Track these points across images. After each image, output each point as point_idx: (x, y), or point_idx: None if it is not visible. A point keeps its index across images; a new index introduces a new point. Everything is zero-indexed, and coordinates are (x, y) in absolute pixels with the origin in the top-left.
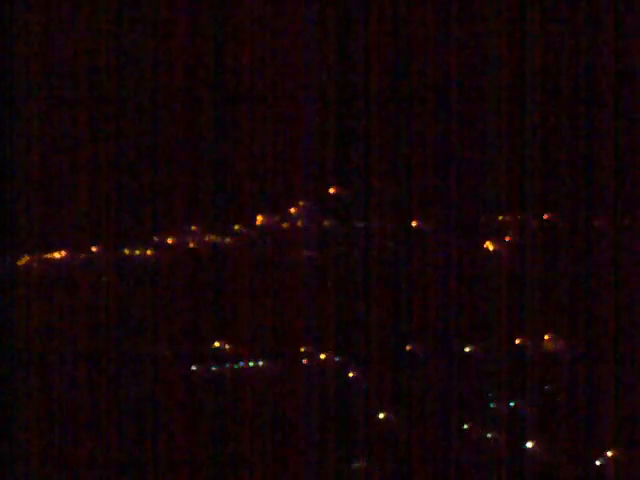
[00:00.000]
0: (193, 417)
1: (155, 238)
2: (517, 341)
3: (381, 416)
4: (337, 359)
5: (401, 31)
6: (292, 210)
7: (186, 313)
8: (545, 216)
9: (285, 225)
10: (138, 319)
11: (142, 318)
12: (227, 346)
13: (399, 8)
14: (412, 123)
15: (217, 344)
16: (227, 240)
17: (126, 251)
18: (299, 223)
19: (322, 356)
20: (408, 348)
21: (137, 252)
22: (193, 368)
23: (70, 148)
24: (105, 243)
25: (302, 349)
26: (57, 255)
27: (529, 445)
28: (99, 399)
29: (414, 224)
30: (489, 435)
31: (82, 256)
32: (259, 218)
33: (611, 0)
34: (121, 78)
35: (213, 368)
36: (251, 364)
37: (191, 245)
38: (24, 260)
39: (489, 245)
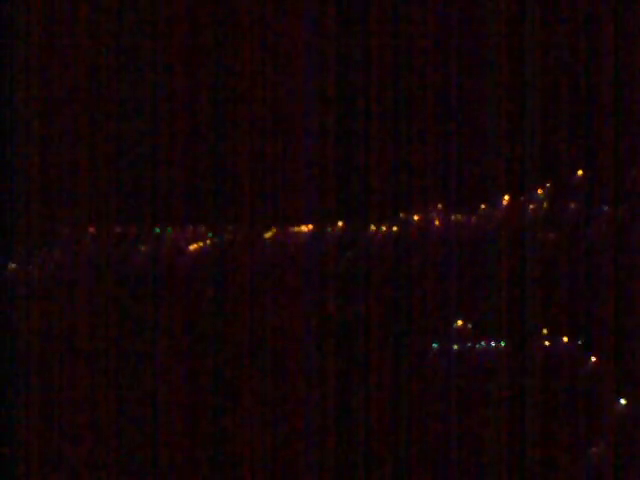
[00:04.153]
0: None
1: (401, 215)
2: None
3: (623, 402)
4: (579, 342)
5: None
6: (539, 191)
7: (429, 291)
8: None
9: (532, 206)
10: (378, 293)
11: (382, 292)
12: (469, 325)
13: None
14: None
15: (460, 323)
16: (473, 219)
17: (372, 227)
18: (545, 204)
19: (564, 339)
20: None
21: (383, 228)
22: (434, 345)
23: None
24: (350, 219)
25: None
26: (304, 229)
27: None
28: None
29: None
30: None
31: (328, 231)
32: (505, 198)
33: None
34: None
35: (455, 347)
36: (492, 344)
37: (436, 223)
38: (270, 233)
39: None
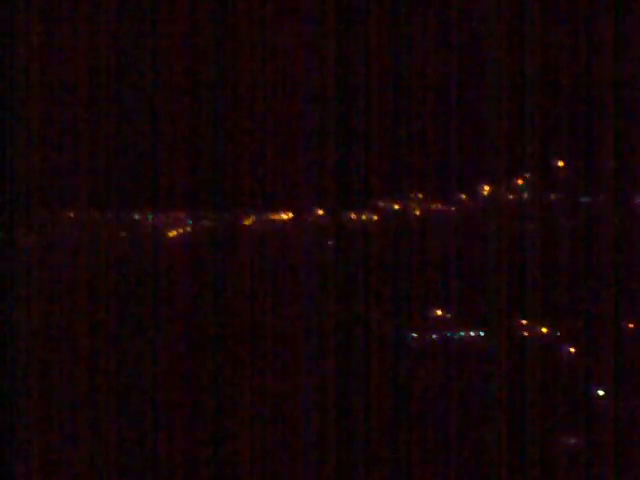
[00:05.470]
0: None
1: (381, 204)
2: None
3: (600, 393)
4: (557, 333)
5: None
6: (519, 182)
7: (406, 280)
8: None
9: (511, 196)
10: (359, 282)
11: (362, 280)
12: (448, 314)
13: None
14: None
15: (439, 312)
16: (452, 209)
17: (352, 215)
18: (525, 195)
19: (543, 330)
20: None
21: (363, 217)
22: (413, 335)
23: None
24: (328, 206)
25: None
26: (284, 216)
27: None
28: None
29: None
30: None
31: (305, 218)
32: (486, 188)
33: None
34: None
35: (434, 336)
36: (471, 333)
37: (416, 212)
38: (249, 219)
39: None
